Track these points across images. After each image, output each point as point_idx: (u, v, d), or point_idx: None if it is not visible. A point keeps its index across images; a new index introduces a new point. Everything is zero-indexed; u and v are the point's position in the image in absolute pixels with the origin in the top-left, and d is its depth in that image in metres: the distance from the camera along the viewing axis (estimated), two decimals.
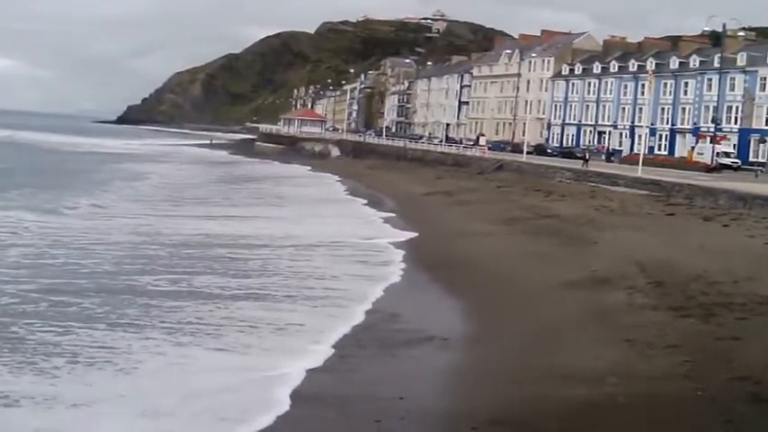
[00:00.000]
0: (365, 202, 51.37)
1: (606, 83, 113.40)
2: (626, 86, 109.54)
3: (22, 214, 36.12)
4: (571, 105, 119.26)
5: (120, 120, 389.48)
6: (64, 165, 77.13)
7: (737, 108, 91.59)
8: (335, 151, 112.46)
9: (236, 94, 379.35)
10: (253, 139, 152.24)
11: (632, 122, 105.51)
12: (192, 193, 55.48)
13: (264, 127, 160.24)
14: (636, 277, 21.71)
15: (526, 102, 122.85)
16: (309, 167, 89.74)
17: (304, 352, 16.30)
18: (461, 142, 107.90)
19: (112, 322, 18.12)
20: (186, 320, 18.59)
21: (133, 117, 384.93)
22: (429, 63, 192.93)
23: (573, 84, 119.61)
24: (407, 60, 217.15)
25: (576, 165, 65.05)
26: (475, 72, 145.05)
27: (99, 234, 32.49)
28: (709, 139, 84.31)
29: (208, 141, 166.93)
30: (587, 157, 69.83)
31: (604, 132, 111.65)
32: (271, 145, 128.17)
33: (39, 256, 26.37)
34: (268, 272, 25.44)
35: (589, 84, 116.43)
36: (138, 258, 26.90)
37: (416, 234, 34.65)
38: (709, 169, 70.25)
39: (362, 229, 37.59)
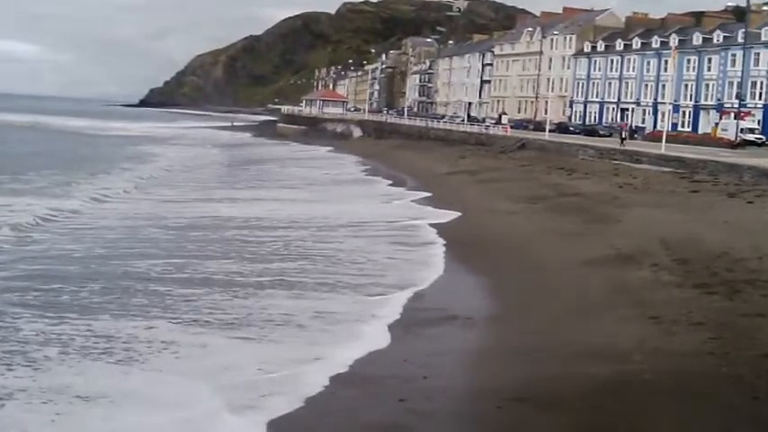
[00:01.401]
0: (390, 182, 51.41)
1: (629, 60, 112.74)
2: (649, 63, 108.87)
3: (29, 199, 35.98)
4: (593, 83, 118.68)
5: (143, 103, 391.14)
6: (82, 148, 77.84)
7: (762, 83, 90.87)
8: (357, 132, 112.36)
9: (258, 76, 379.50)
10: (275, 120, 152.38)
11: (655, 99, 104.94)
12: (207, 175, 56.19)
13: (286, 108, 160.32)
14: (660, 254, 21.64)
15: (548, 80, 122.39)
16: (331, 148, 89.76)
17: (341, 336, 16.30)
18: (484, 121, 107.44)
19: (119, 312, 17.41)
20: (203, 308, 18.01)
21: (155, 100, 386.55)
22: (450, 42, 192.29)
23: (595, 61, 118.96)
24: (428, 40, 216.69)
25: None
26: (496, 50, 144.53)
27: (92, 218, 32.32)
28: (733, 115, 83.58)
29: (229, 123, 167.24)
30: (624, 135, 66.69)
31: (627, 109, 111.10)
32: (293, 126, 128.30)
33: (20, 242, 25.97)
34: (292, 255, 24.88)
35: (611, 61, 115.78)
36: (137, 242, 26.73)
37: (441, 212, 34.66)
38: (733, 145, 69.74)
39: (387, 209, 37.77)
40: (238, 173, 59.65)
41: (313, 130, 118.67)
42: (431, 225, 31.03)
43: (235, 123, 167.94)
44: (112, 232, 28.99)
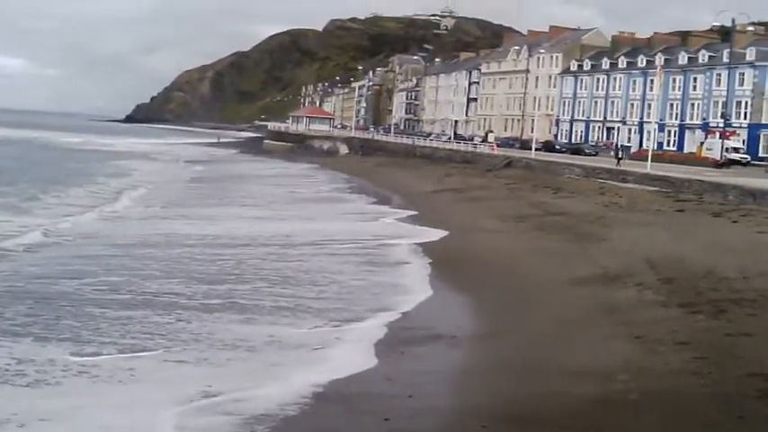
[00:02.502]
0: (374, 200, 51.39)
1: (615, 78, 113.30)
2: (635, 82, 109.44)
3: None
4: (580, 101, 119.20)
5: (129, 118, 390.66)
6: (63, 163, 77.15)
7: (747, 103, 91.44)
8: (344, 149, 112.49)
9: (245, 92, 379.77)
10: (261, 137, 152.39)
11: (641, 118, 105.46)
12: (174, 191, 55.47)
13: (273, 125, 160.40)
14: (645, 274, 21.66)
15: (535, 98, 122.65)
16: (317, 165, 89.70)
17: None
18: (472, 139, 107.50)
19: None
20: (138, 332, 17.07)
21: (142, 115, 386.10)
22: (437, 60, 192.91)
23: (581, 80, 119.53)
24: (416, 57, 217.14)
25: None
26: (483, 68, 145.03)
27: (36, 235, 30.95)
28: (718, 134, 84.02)
29: (215, 140, 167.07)
30: (621, 155, 65.60)
31: (613, 128, 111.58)
32: (279, 143, 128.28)
33: None
34: (246, 275, 23.85)
35: (598, 80, 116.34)
36: (75, 259, 25.86)
37: (424, 231, 34.61)
38: (718, 165, 70.04)
39: (366, 227, 37.49)
40: (209, 190, 58.67)
41: (300, 146, 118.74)
42: (416, 244, 30.85)
43: (221, 140, 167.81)
44: (49, 250, 27.92)
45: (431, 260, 26.95)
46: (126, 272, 23.76)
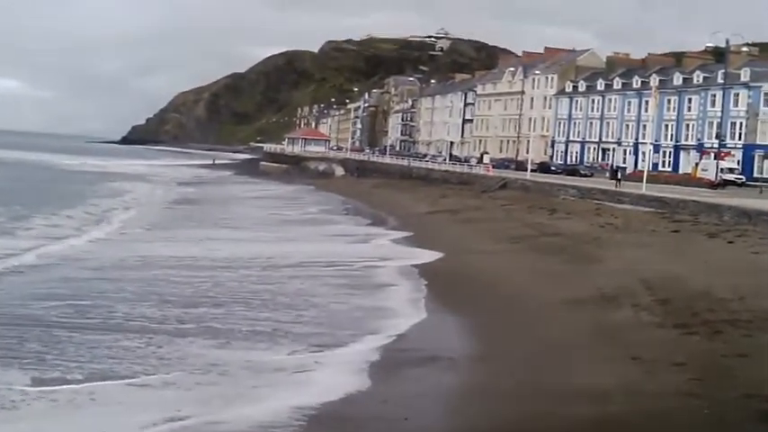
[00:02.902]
0: (368, 221, 51.32)
1: (610, 100, 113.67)
2: (630, 103, 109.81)
3: None
4: (575, 122, 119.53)
5: (125, 140, 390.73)
6: (56, 184, 76.75)
7: (741, 124, 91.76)
8: (339, 170, 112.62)
9: (241, 114, 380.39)
10: (257, 158, 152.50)
11: (636, 139, 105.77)
12: (160, 213, 54.94)
13: (269, 146, 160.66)
14: (641, 295, 21.65)
15: (530, 119, 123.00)
16: (312, 187, 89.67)
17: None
18: (468, 161, 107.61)
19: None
20: (105, 357, 16.71)
21: (137, 137, 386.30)
22: (433, 81, 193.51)
23: (577, 101, 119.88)
24: (411, 79, 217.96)
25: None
26: (479, 90, 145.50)
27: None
28: (713, 155, 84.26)
29: (210, 161, 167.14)
30: (620, 176, 65.29)
31: (608, 149, 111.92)
32: (275, 164, 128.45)
33: None
34: (221, 298, 23.38)
35: (593, 101, 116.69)
36: (43, 282, 25.22)
37: (418, 252, 34.53)
38: (713, 185, 70.19)
39: (356, 249, 37.32)
40: (195, 211, 57.82)
41: (295, 168, 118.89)
42: (412, 265, 30.71)
43: (216, 161, 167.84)
44: (17, 275, 27.00)
45: (426, 282, 26.87)
46: (97, 294, 23.37)
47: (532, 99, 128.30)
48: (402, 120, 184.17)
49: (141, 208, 58.32)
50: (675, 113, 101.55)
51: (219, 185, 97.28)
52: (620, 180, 62.90)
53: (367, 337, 19.23)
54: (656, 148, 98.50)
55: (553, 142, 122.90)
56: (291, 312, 21.78)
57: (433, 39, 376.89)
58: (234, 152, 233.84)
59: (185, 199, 70.93)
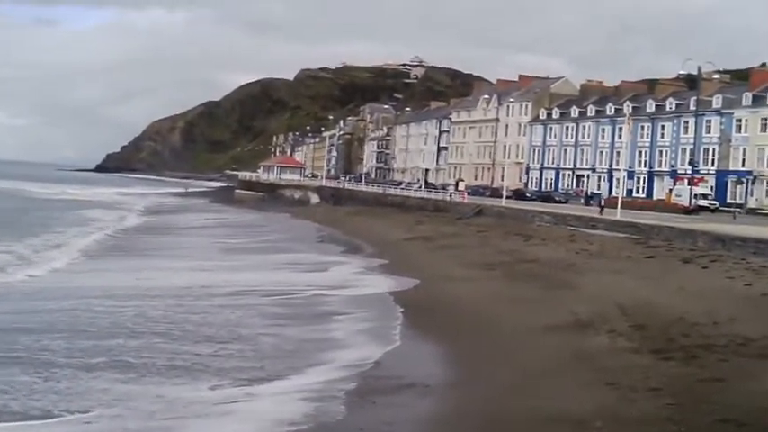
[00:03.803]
0: (343, 249, 51.02)
1: (584, 127, 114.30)
2: (603, 130, 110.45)
3: None
4: (549, 149, 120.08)
5: (99, 168, 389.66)
6: (25, 212, 75.18)
7: (714, 150, 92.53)
8: (315, 198, 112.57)
9: (216, 142, 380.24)
10: (232, 186, 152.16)
11: (610, 166, 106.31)
12: (106, 242, 53.53)
13: (244, 174, 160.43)
14: (617, 320, 21.66)
15: (505, 146, 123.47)
16: (288, 214, 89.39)
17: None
18: (445, 189, 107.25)
19: None
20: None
21: (112, 165, 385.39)
22: (408, 109, 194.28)
23: (551, 128, 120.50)
24: (386, 106, 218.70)
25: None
26: (453, 117, 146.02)
27: None
28: (686, 181, 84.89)
29: (183, 189, 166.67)
30: (603, 203, 64.66)
31: (583, 176, 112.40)
32: (250, 192, 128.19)
33: None
34: (139, 330, 22.32)
35: (567, 128, 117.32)
36: None
37: (394, 280, 34.39)
38: (687, 211, 70.61)
39: (308, 278, 36.12)
40: (148, 240, 56.22)
41: (271, 196, 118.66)
42: (375, 291, 30.64)
43: (189, 190, 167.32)
44: None
45: (399, 308, 26.71)
46: (3, 328, 22.26)
47: (507, 126, 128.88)
48: (377, 147, 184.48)
49: (90, 237, 56.31)
50: (649, 140, 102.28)
51: (183, 213, 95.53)
52: (603, 207, 62.48)
53: (309, 369, 18.56)
54: (630, 175, 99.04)
55: (528, 169, 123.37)
56: (214, 345, 20.81)
57: (407, 67, 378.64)
58: (208, 180, 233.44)
59: (141, 227, 69.71)
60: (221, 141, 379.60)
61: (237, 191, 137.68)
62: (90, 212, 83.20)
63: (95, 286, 30.98)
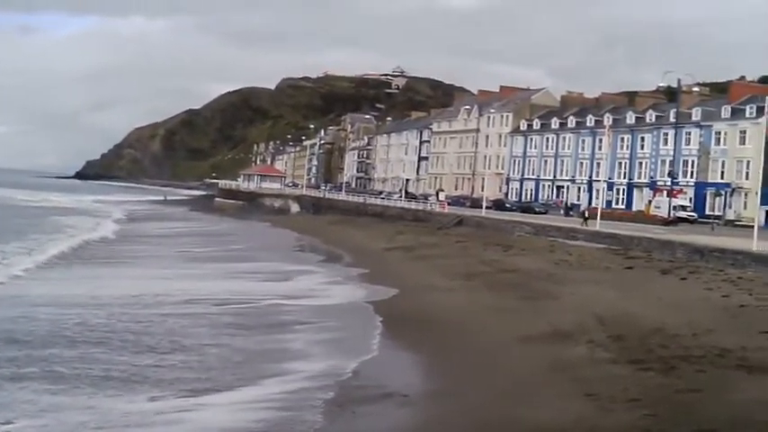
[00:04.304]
0: (323, 258, 50.93)
1: (564, 138, 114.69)
2: (583, 141, 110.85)
3: None
4: (530, 160, 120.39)
5: (79, 175, 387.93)
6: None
7: (693, 162, 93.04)
8: (295, 207, 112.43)
9: (196, 150, 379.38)
10: (212, 195, 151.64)
11: (590, 177, 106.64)
12: (71, 250, 50.90)
13: (224, 183, 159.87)
14: (596, 331, 21.69)
15: (485, 157, 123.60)
16: (268, 223, 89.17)
17: None
18: (427, 199, 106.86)
19: None
20: None
21: (92, 172, 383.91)
22: (389, 119, 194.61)
23: (531, 139, 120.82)
24: (367, 116, 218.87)
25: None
26: (434, 128, 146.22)
27: None
28: (665, 192, 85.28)
29: (161, 198, 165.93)
30: (587, 215, 64.50)
31: (563, 187, 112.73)
32: (230, 201, 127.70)
33: None
34: (79, 339, 21.56)
35: (547, 139, 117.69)
36: None
37: (375, 289, 34.31)
38: (666, 222, 70.94)
39: (269, 287, 35.46)
40: (117, 248, 54.61)
41: (251, 205, 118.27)
42: (353, 301, 30.53)
43: (167, 198, 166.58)
44: None
45: (378, 318, 26.64)
46: None
47: (487, 137, 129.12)
48: (358, 157, 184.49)
49: (63, 244, 53.85)
50: (629, 152, 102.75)
51: (159, 222, 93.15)
52: (587, 218, 62.37)
53: (263, 380, 18.18)
54: (610, 186, 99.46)
55: (508, 180, 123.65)
56: (155, 355, 20.24)
57: (389, 77, 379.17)
58: (188, 188, 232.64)
59: (113, 236, 67.06)
60: (202, 150, 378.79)
61: (217, 199, 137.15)
62: (67, 219, 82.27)
63: (46, 294, 30.01)
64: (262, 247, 58.53)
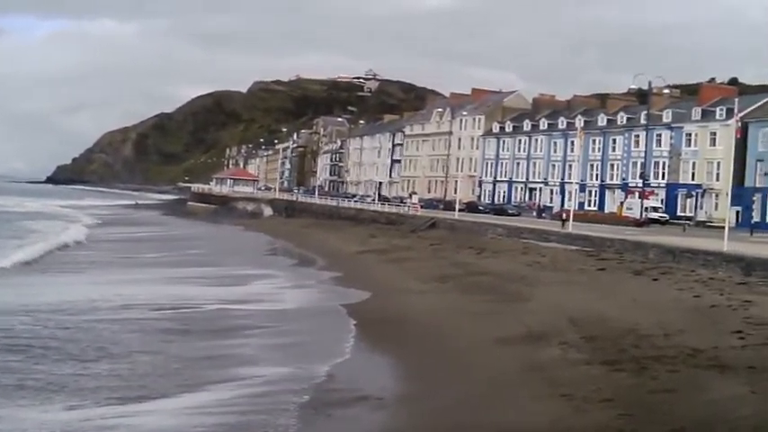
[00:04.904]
0: (295, 262, 50.76)
1: (536, 140, 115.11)
2: (555, 144, 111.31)
3: None
4: (502, 163, 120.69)
5: (50, 179, 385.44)
6: None
7: (664, 164, 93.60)
8: (268, 210, 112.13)
9: (169, 154, 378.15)
10: (185, 199, 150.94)
11: (562, 179, 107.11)
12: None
13: (196, 186, 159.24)
14: (569, 332, 21.76)
15: (458, 159, 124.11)
16: (241, 227, 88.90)
17: None
18: (404, 202, 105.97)
19: None
20: None
21: (63, 177, 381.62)
22: (361, 122, 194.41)
23: (504, 141, 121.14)
24: (340, 119, 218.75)
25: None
26: (407, 131, 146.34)
27: None
28: (637, 194, 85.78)
29: (133, 202, 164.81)
30: (564, 216, 63.68)
31: (535, 189, 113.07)
32: (203, 205, 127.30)
33: None
34: None
35: (519, 141, 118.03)
36: None
37: (347, 292, 34.27)
38: (638, 224, 71.32)
39: (220, 291, 34.15)
40: (72, 253, 52.50)
41: (224, 208, 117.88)
42: (342, 305, 30.28)
43: (139, 202, 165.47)
44: None
45: (352, 321, 26.57)
46: None
47: (460, 140, 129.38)
48: (331, 160, 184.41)
49: (23, 250, 49.79)
50: (600, 153, 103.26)
51: (128, 226, 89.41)
52: (565, 221, 61.62)
53: (203, 387, 17.52)
54: (582, 188, 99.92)
55: (481, 182, 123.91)
56: (77, 363, 19.22)
57: (361, 80, 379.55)
58: (161, 192, 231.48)
59: (75, 241, 62.39)
60: (174, 153, 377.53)
61: (190, 203, 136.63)
62: (34, 224, 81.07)
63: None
64: (228, 252, 57.48)
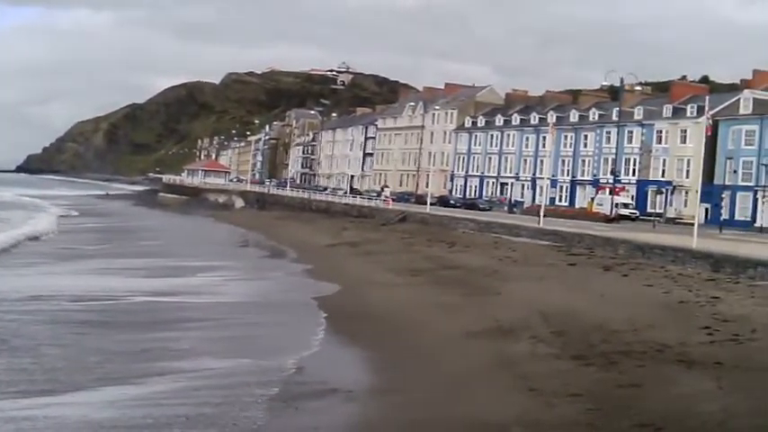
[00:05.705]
0: (267, 254, 50.61)
1: (508, 135, 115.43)
2: (527, 139, 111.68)
3: None
4: (474, 157, 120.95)
5: (20, 169, 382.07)
6: None
7: (635, 160, 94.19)
8: (239, 202, 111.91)
9: (140, 144, 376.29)
10: (156, 190, 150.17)
11: (534, 174, 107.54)
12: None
13: (168, 177, 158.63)
14: (539, 327, 21.84)
15: (430, 153, 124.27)
16: (212, 219, 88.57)
17: None
18: (378, 194, 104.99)
19: None
20: None
21: (33, 166, 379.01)
22: (334, 115, 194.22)
23: (476, 136, 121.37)
24: (312, 112, 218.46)
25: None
26: (379, 124, 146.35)
27: None
28: (608, 190, 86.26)
29: (104, 192, 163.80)
30: (540, 212, 61.19)
31: (507, 184, 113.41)
32: (174, 196, 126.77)
33: None
34: None
35: (492, 136, 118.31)
36: None
37: (318, 285, 34.17)
38: (608, 220, 71.73)
39: (160, 283, 33.06)
40: (30, 247, 48.59)
41: (195, 200, 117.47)
42: (296, 297, 30.24)
43: (110, 192, 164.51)
44: None
45: (321, 313, 26.42)
46: None
47: (432, 134, 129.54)
48: (303, 153, 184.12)
49: None
50: (572, 149, 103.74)
51: (93, 217, 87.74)
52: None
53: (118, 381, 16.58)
54: (554, 183, 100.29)
55: (452, 176, 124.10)
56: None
57: (334, 72, 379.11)
58: (131, 183, 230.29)
59: (34, 232, 57.77)
60: (145, 144, 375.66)
61: (161, 194, 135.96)
62: (9, 214, 79.74)
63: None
64: (190, 244, 56.45)
